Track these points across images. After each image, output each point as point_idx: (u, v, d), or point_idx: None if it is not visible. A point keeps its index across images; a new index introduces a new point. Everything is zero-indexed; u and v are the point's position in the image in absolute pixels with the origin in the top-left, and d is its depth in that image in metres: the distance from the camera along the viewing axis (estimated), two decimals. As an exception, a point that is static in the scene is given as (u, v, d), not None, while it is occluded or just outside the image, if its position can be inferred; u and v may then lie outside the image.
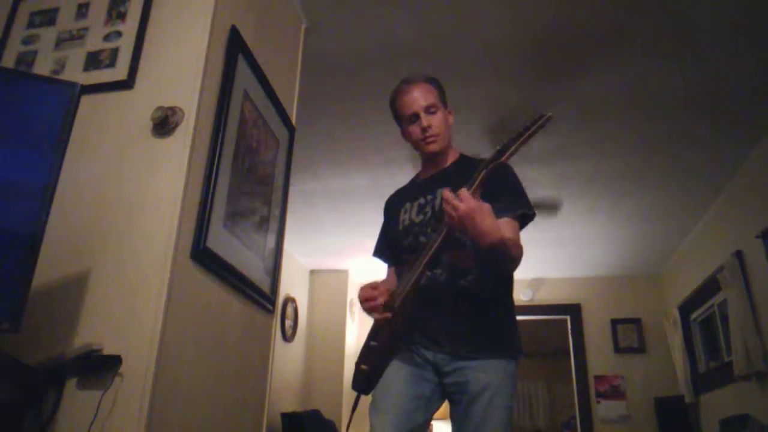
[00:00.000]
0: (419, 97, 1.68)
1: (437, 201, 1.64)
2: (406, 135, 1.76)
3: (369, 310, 1.56)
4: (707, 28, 2.56)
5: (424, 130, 1.67)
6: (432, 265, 1.54)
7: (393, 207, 1.83)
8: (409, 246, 1.67)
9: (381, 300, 1.52)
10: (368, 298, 1.54)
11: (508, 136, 1.35)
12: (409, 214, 1.72)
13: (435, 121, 1.68)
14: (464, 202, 1.36)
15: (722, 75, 2.87)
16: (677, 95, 3.04)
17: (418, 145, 1.73)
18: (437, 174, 1.74)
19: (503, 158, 1.35)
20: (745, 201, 3.78)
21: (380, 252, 1.87)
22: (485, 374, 1.53)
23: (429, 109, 1.67)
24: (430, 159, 1.76)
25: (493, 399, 1.51)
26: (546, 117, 1.30)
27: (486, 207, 1.38)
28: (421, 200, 1.71)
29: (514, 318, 1.68)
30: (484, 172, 1.38)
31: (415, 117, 1.68)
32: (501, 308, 1.64)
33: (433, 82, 1.73)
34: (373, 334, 1.63)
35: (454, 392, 1.57)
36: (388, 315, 1.52)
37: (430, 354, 1.59)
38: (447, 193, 1.39)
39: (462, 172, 1.63)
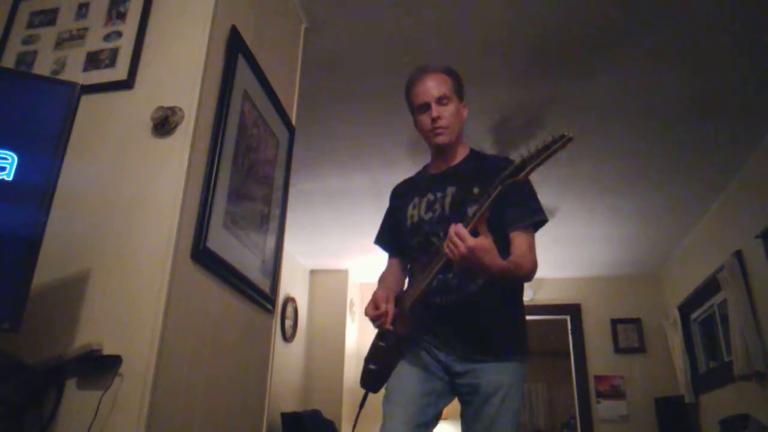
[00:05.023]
0: (432, 86, 1.64)
1: (447, 200, 1.62)
2: (417, 125, 1.72)
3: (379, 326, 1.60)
4: (707, 30, 2.56)
5: (433, 120, 1.63)
6: (444, 270, 1.53)
7: (400, 198, 1.80)
8: (418, 245, 1.66)
9: (387, 311, 1.55)
10: (375, 317, 1.57)
11: (527, 151, 1.30)
12: (417, 210, 1.68)
13: (446, 113, 1.63)
14: (463, 241, 1.33)
15: (722, 76, 2.87)
16: (677, 96, 3.03)
17: (427, 136, 1.68)
18: (447, 171, 1.70)
19: (520, 177, 1.31)
20: (745, 201, 3.78)
21: (381, 240, 1.85)
22: (497, 376, 1.54)
23: (441, 100, 1.63)
24: (439, 152, 1.72)
25: (504, 400, 1.52)
26: (567, 138, 1.25)
27: (485, 244, 1.35)
28: (430, 197, 1.67)
29: (524, 320, 1.68)
30: (499, 188, 1.33)
31: (426, 107, 1.64)
32: (511, 311, 1.64)
33: (449, 72, 1.69)
34: (381, 335, 1.64)
35: (466, 393, 1.58)
36: (389, 320, 1.55)
37: (442, 355, 1.60)
38: (451, 231, 1.36)
39: (472, 171, 1.62)
